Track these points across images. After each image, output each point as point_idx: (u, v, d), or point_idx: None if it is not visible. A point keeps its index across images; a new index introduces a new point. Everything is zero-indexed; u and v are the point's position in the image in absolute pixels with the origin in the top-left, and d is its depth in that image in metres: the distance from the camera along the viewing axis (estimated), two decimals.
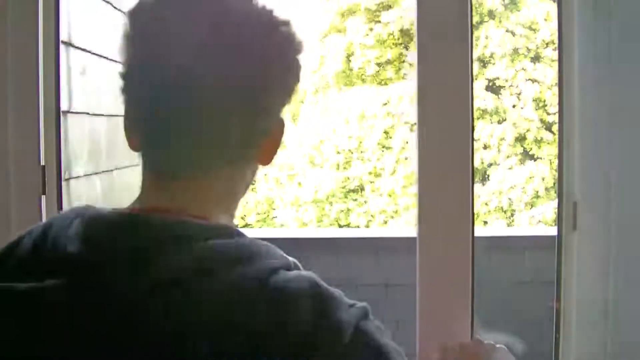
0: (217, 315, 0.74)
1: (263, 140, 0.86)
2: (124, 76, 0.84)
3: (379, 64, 11.12)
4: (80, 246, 0.79)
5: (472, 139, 1.56)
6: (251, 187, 0.95)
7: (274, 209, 11.16)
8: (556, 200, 1.67)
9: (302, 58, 0.88)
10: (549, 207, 9.49)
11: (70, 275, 0.77)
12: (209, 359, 0.72)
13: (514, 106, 10.25)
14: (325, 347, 0.77)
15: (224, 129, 0.83)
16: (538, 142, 10.17)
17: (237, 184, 0.89)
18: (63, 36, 2.13)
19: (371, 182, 10.72)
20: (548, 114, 10.15)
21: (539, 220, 9.59)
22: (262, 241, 0.82)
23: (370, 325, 0.88)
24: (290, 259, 0.84)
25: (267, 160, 0.89)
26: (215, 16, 0.81)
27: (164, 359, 0.73)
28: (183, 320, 0.73)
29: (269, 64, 0.84)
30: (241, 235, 0.82)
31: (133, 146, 0.91)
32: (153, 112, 0.84)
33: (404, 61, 11.00)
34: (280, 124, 0.88)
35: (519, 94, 10.24)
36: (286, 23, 0.87)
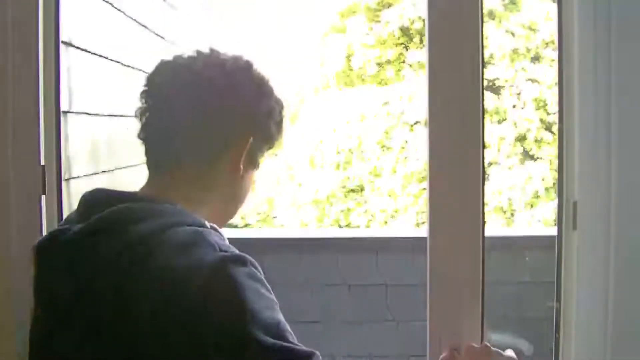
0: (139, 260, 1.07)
1: (223, 153, 1.24)
2: (140, 115, 1.29)
3: (379, 64, 11.12)
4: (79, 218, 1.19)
5: (483, 138, 1.57)
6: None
7: (274, 209, 11.16)
8: (556, 200, 1.67)
9: (271, 106, 1.28)
10: (548, 207, 9.49)
11: (75, 234, 1.15)
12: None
13: (514, 106, 10.24)
14: (183, 282, 1.03)
15: (191, 144, 1.22)
16: (538, 142, 10.17)
17: (208, 182, 1.24)
18: (63, 36, 2.13)
19: (371, 182, 10.71)
20: (548, 113, 10.15)
21: (538, 220, 9.59)
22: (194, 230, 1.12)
23: (233, 269, 1.05)
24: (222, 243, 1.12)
25: (233, 168, 1.24)
26: (195, 75, 1.24)
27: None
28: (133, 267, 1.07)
29: (219, 107, 1.23)
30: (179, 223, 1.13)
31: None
32: (151, 133, 1.27)
33: (404, 61, 11.00)
34: (241, 142, 1.23)
35: (519, 94, 10.23)
36: (257, 76, 1.28)
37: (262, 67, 1.29)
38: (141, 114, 1.28)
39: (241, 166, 1.24)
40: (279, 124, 1.29)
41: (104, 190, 1.23)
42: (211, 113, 1.23)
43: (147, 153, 1.27)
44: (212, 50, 1.30)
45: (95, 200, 1.21)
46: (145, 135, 1.27)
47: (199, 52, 1.29)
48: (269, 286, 1.09)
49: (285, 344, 1.05)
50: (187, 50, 1.30)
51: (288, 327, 1.08)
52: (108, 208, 1.14)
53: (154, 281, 1.05)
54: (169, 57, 1.29)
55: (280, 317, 1.08)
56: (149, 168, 1.26)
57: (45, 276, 1.19)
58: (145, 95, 1.28)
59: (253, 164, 1.28)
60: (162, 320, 1.02)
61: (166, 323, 1.02)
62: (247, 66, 1.28)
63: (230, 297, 1.04)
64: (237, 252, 1.10)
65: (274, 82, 1.29)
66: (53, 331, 1.14)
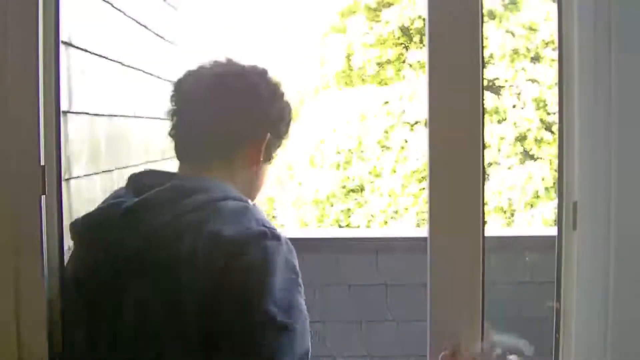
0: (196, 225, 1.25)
1: (244, 145, 1.42)
2: (171, 116, 1.46)
3: (379, 64, 11.13)
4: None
5: (483, 138, 1.57)
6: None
7: (275, 209, 11.16)
8: (556, 200, 1.67)
9: (282, 108, 1.46)
10: (549, 207, 9.49)
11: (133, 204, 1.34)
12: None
13: (514, 106, 10.25)
14: (229, 248, 1.21)
15: (215, 140, 1.40)
16: (538, 142, 10.17)
17: (230, 174, 1.40)
18: (63, 36, 2.13)
19: (371, 182, 10.72)
20: (548, 113, 10.16)
21: (538, 220, 9.59)
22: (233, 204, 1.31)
23: (269, 243, 1.24)
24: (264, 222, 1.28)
25: (251, 162, 1.43)
26: (219, 81, 1.41)
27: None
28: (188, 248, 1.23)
29: (239, 109, 1.40)
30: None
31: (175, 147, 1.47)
32: (185, 130, 1.45)
33: (404, 61, 11.00)
34: (258, 141, 1.42)
35: (519, 94, 10.24)
36: (271, 82, 1.45)
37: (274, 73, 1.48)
38: (171, 115, 1.47)
39: (261, 160, 1.44)
40: (289, 124, 1.48)
41: (153, 170, 1.45)
42: (232, 114, 1.41)
43: (177, 149, 1.46)
44: (229, 59, 1.47)
45: (147, 178, 1.40)
46: (175, 132, 1.46)
47: (218, 61, 1.46)
48: (297, 268, 1.30)
49: (286, 321, 1.22)
50: (208, 60, 1.47)
51: (303, 309, 1.26)
52: (160, 185, 1.32)
53: (206, 245, 1.22)
54: (193, 66, 1.47)
55: (297, 298, 1.26)
56: (180, 160, 1.45)
57: (99, 246, 1.33)
58: (174, 99, 1.47)
59: (268, 159, 1.47)
60: (207, 277, 1.21)
61: (210, 280, 1.21)
62: (263, 72, 1.45)
63: (259, 266, 1.22)
64: (276, 230, 1.28)
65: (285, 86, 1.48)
66: (104, 297, 1.30)
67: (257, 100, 1.42)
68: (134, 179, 1.43)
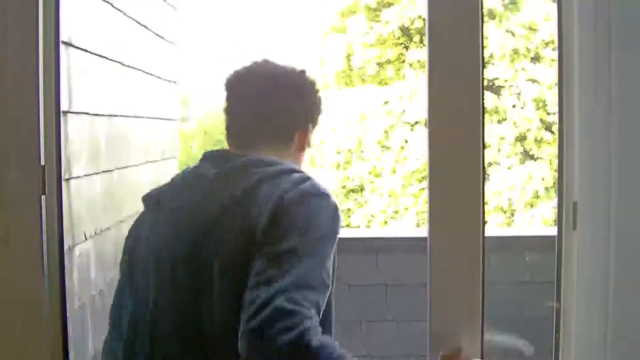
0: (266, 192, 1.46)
1: (295, 133, 1.64)
2: (226, 111, 1.66)
3: (379, 64, 11.13)
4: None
5: (483, 138, 1.57)
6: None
7: None
8: (556, 200, 1.68)
9: (319, 101, 1.69)
10: (548, 207, 9.49)
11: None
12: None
13: (513, 106, 10.25)
14: (294, 200, 1.44)
15: (272, 126, 1.63)
16: (538, 142, 10.17)
17: (282, 158, 1.58)
18: (63, 36, 2.13)
19: (371, 182, 10.72)
20: (548, 114, 10.15)
21: (538, 220, 9.59)
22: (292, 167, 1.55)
23: (322, 200, 1.49)
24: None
25: (300, 147, 1.66)
26: (268, 80, 1.63)
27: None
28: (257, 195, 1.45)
29: (288, 104, 1.63)
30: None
31: (226, 136, 1.67)
32: (239, 122, 1.66)
33: (404, 61, 11.00)
34: (304, 128, 1.66)
35: (519, 94, 10.24)
36: (309, 80, 1.68)
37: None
38: (225, 111, 1.67)
39: (307, 145, 1.67)
40: (321, 114, 1.71)
41: (224, 149, 1.66)
42: (281, 108, 1.63)
43: (233, 139, 1.65)
44: (269, 60, 1.68)
45: (225, 153, 1.62)
46: (230, 125, 1.66)
47: (263, 62, 1.67)
48: (339, 227, 1.50)
49: (312, 260, 1.42)
50: (252, 61, 1.67)
51: (330, 258, 1.48)
52: (236, 159, 1.55)
53: (278, 201, 1.44)
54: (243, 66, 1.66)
55: (329, 249, 1.48)
56: (237, 149, 1.63)
57: (189, 208, 1.53)
58: (229, 97, 1.66)
59: (309, 144, 1.69)
60: (277, 216, 1.42)
61: (280, 217, 1.42)
62: (302, 71, 1.68)
63: (314, 214, 1.46)
64: (331, 195, 1.51)
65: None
66: (197, 239, 1.49)
67: (302, 96, 1.66)
68: (209, 155, 1.63)
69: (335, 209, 1.50)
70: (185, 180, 1.62)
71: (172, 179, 1.67)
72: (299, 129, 1.66)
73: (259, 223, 1.43)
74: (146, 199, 1.69)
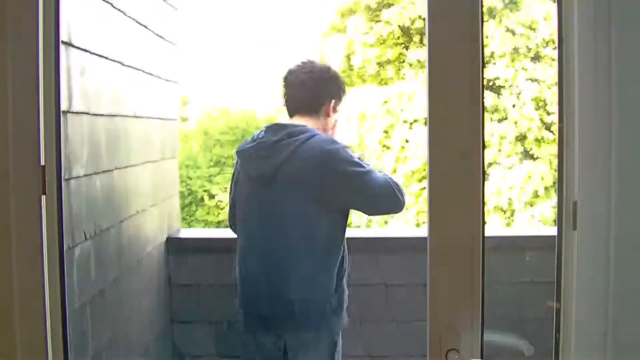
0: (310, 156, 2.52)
1: (322, 106, 2.65)
2: (284, 95, 2.69)
3: (379, 64, 11.13)
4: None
5: (483, 138, 1.57)
6: None
7: None
8: (554, 199, 1.68)
9: (339, 85, 2.72)
10: (548, 207, 9.49)
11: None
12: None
13: (513, 106, 10.24)
14: (328, 152, 2.53)
15: (307, 102, 2.65)
16: (538, 141, 10.16)
17: (317, 121, 2.64)
18: (63, 36, 2.13)
19: None
20: (548, 113, 10.15)
21: (538, 220, 9.59)
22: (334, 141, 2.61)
23: (345, 150, 2.57)
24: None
25: (327, 114, 2.66)
26: (304, 74, 2.67)
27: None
28: (303, 157, 2.52)
29: (314, 90, 2.66)
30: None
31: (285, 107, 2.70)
32: (290, 99, 2.68)
33: (404, 61, 11.00)
34: (329, 101, 2.65)
35: (519, 93, 10.23)
36: (331, 72, 2.74)
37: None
38: (283, 95, 2.69)
39: (332, 113, 2.67)
40: (345, 91, 2.73)
41: (280, 123, 2.63)
42: (319, 90, 2.65)
43: (289, 110, 2.66)
44: (311, 60, 2.75)
45: (281, 125, 2.60)
46: (288, 101, 2.67)
47: (306, 62, 2.72)
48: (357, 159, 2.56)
49: (362, 170, 2.53)
50: (300, 61, 2.72)
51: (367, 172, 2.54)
52: (286, 129, 2.56)
53: (317, 153, 2.51)
54: (293, 65, 2.71)
55: (360, 169, 2.54)
56: (290, 115, 2.66)
57: (259, 161, 2.57)
58: (285, 83, 2.68)
59: (335, 111, 2.68)
60: (320, 171, 2.50)
61: (321, 170, 2.50)
62: (329, 67, 2.76)
63: (342, 156, 2.52)
64: (348, 147, 2.58)
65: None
66: (257, 194, 2.60)
67: (329, 82, 2.69)
68: (269, 128, 2.61)
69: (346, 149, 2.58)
70: (258, 142, 2.58)
71: (253, 140, 2.62)
72: (326, 102, 2.66)
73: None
74: (236, 154, 2.71)
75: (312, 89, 2.62)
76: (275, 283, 2.59)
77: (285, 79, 2.68)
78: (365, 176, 2.50)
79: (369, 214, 2.95)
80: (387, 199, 2.53)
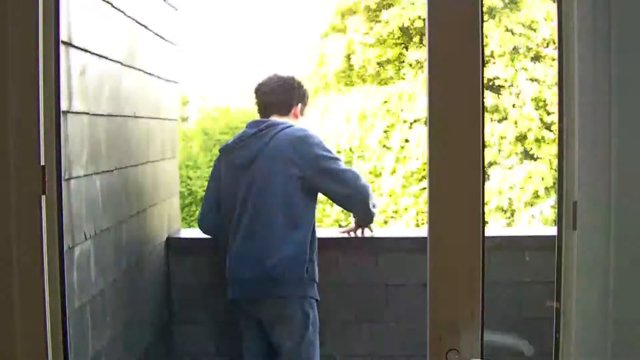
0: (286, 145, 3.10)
1: (292, 107, 3.24)
2: (257, 103, 3.29)
3: (379, 64, 11.13)
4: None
5: (483, 137, 1.57)
6: None
7: None
8: (554, 198, 1.68)
9: (303, 92, 3.32)
10: (548, 207, 9.48)
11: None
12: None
13: (513, 105, 10.24)
14: (300, 137, 3.13)
15: (279, 104, 3.23)
16: (538, 141, 10.16)
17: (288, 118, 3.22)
18: (63, 36, 2.13)
19: (371, 182, 10.72)
20: (548, 113, 10.14)
21: (538, 220, 9.58)
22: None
23: (315, 137, 3.20)
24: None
25: (295, 116, 3.24)
26: (277, 82, 3.26)
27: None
28: (280, 140, 3.10)
29: (283, 94, 3.26)
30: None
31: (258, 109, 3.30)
32: (264, 104, 3.27)
33: (404, 61, 11.00)
34: (297, 105, 3.24)
35: (519, 93, 10.23)
36: (296, 81, 3.31)
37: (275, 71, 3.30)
38: (256, 103, 3.23)
39: (299, 115, 3.21)
40: (308, 98, 3.30)
41: (258, 119, 3.18)
42: (289, 95, 3.20)
43: (260, 111, 3.21)
44: (277, 74, 3.25)
45: (259, 120, 3.16)
46: (260, 103, 3.21)
47: (276, 74, 3.24)
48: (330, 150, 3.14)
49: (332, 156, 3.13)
50: (272, 73, 3.25)
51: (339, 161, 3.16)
52: (268, 122, 3.11)
53: (293, 138, 3.07)
54: (265, 75, 3.28)
55: (332, 156, 3.14)
56: (263, 117, 3.19)
57: (240, 151, 3.10)
58: (257, 91, 3.22)
59: (302, 113, 3.23)
60: (294, 151, 3.05)
61: (294, 151, 3.05)
62: (293, 77, 3.27)
63: (314, 141, 3.09)
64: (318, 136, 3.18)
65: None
66: (239, 178, 3.09)
67: (296, 89, 3.23)
68: (251, 123, 3.17)
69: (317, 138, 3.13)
70: (242, 135, 3.15)
71: (237, 135, 3.17)
72: (294, 105, 3.21)
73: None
74: (220, 149, 3.25)
75: (283, 93, 3.19)
76: (257, 253, 3.04)
77: (258, 90, 3.22)
78: (332, 161, 3.07)
79: (337, 200, 3.27)
80: (352, 182, 3.08)
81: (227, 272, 3.13)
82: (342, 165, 3.11)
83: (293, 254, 3.02)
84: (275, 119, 3.15)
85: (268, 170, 3.03)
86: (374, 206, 3.21)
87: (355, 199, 3.15)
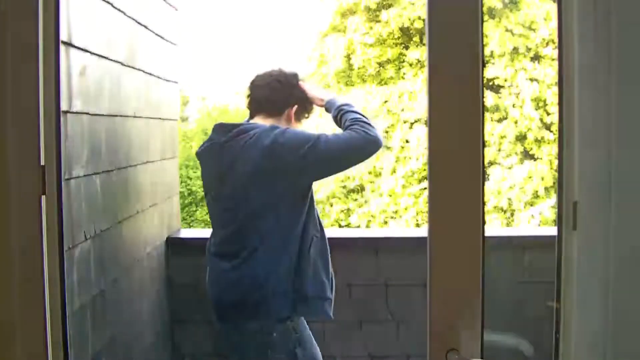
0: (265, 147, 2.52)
1: (286, 108, 2.67)
2: (248, 95, 2.72)
3: (379, 63, 11.13)
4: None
5: (483, 137, 1.57)
6: None
7: None
8: (554, 198, 1.68)
9: (306, 94, 2.72)
10: (548, 207, 9.49)
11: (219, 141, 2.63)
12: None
13: (513, 105, 10.24)
14: (278, 143, 2.52)
15: (271, 101, 2.66)
16: (538, 141, 10.16)
17: (278, 124, 2.61)
18: (63, 36, 2.13)
19: (371, 182, 10.72)
20: (548, 113, 10.15)
21: (538, 221, 9.58)
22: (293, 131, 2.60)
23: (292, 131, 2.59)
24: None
25: (288, 118, 2.67)
26: (275, 75, 2.69)
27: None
28: (250, 161, 2.52)
29: (279, 91, 2.68)
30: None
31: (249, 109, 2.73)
32: (255, 99, 2.69)
33: (404, 61, 11.00)
34: (292, 106, 2.67)
35: (519, 93, 10.23)
36: (299, 79, 2.74)
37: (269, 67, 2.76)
38: (247, 96, 2.71)
39: (294, 120, 2.68)
40: (310, 102, 2.73)
41: (225, 123, 2.68)
42: (285, 92, 2.67)
43: (251, 110, 2.69)
44: (275, 69, 2.71)
45: (227, 125, 2.64)
46: (251, 102, 2.69)
47: (272, 69, 2.71)
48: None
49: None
50: (267, 69, 2.71)
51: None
52: (235, 128, 2.58)
53: (262, 152, 2.50)
54: (260, 71, 2.72)
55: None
56: (252, 116, 2.68)
57: (212, 162, 2.66)
58: (250, 87, 2.70)
59: (298, 120, 2.71)
60: (273, 156, 2.50)
61: (270, 162, 2.50)
62: (294, 73, 2.73)
63: (287, 142, 2.51)
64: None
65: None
66: (218, 188, 2.63)
67: (296, 87, 2.70)
68: (218, 128, 2.67)
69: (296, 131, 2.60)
70: (210, 145, 2.66)
71: (206, 143, 2.70)
72: (289, 107, 2.67)
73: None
74: (197, 155, 2.77)
75: (278, 89, 2.63)
76: (239, 278, 2.59)
77: (253, 82, 2.68)
78: (318, 145, 2.47)
79: (347, 168, 2.81)
80: (355, 141, 2.53)
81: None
82: (322, 138, 2.51)
83: (277, 274, 2.56)
84: (256, 121, 2.62)
85: (243, 187, 2.53)
86: (370, 131, 2.64)
87: (369, 148, 2.63)
